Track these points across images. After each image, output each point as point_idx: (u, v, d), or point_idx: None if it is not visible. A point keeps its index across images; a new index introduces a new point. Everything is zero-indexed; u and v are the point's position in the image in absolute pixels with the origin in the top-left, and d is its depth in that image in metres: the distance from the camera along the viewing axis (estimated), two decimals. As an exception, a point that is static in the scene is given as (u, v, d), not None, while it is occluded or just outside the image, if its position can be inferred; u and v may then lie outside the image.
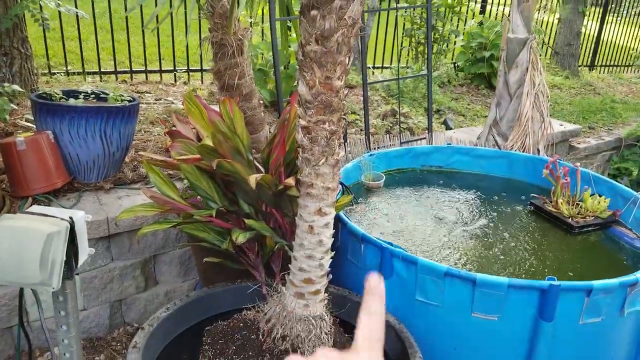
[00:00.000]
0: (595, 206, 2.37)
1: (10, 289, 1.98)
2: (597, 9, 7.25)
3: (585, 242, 2.26)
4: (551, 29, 6.90)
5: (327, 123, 1.33)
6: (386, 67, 5.42)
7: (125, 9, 4.30)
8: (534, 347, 1.66)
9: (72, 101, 2.35)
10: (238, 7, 1.93)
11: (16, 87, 2.80)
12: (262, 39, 4.33)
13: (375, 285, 0.48)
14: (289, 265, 1.49)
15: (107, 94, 2.48)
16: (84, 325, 2.25)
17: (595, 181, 2.53)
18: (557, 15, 6.80)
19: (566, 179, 2.43)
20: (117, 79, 4.12)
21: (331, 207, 1.43)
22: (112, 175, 2.44)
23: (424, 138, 3.25)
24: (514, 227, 2.31)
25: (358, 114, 3.85)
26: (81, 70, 4.00)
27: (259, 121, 2.16)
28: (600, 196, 2.45)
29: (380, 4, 5.47)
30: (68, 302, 1.24)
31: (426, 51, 3.41)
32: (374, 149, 2.99)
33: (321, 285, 1.48)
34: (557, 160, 2.50)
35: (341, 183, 2.35)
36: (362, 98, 3.09)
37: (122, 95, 2.47)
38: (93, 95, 2.49)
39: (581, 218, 2.35)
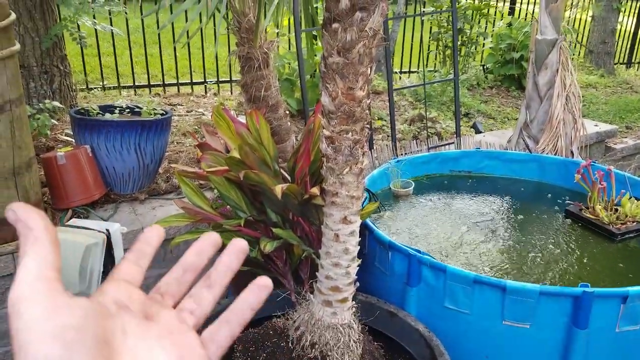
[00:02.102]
0: (634, 210, 2.30)
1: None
2: (635, 4, 7.02)
3: (626, 248, 2.18)
4: (584, 27, 6.73)
5: (350, 133, 1.36)
6: (413, 72, 5.40)
7: (158, 25, 4.45)
8: (568, 355, 1.63)
9: (108, 116, 2.45)
10: (265, 18, 1.98)
11: (56, 103, 2.94)
12: (289, 49, 4.39)
13: (149, 236, 0.40)
14: (316, 273, 1.52)
15: (141, 108, 2.58)
16: (121, 332, 2.33)
17: (631, 184, 2.45)
18: (591, 13, 6.63)
19: (602, 184, 2.36)
20: (150, 92, 4.26)
21: (356, 215, 1.44)
22: (147, 186, 2.53)
23: (452, 143, 3.22)
24: (550, 234, 2.25)
25: (385, 120, 3.85)
26: (117, 85, 4.16)
27: (285, 131, 2.20)
28: (637, 199, 2.37)
29: (406, 8, 5.46)
30: (105, 310, 1.30)
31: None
32: (401, 154, 2.99)
33: (348, 293, 1.50)
34: (591, 164, 2.43)
35: (367, 190, 2.36)
36: (388, 104, 3.10)
37: (155, 109, 2.56)
38: (128, 110, 2.59)
39: (621, 224, 2.26)
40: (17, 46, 1.84)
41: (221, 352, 0.39)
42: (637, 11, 7.00)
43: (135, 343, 0.33)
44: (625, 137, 4.27)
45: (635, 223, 2.27)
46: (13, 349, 0.30)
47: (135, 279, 0.38)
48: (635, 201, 2.33)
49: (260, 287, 0.41)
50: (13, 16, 1.82)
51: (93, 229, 1.18)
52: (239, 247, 0.41)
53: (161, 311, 0.37)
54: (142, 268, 0.39)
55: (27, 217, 0.33)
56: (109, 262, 1.21)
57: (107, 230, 1.20)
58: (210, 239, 0.41)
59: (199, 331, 0.39)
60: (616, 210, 2.33)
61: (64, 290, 0.32)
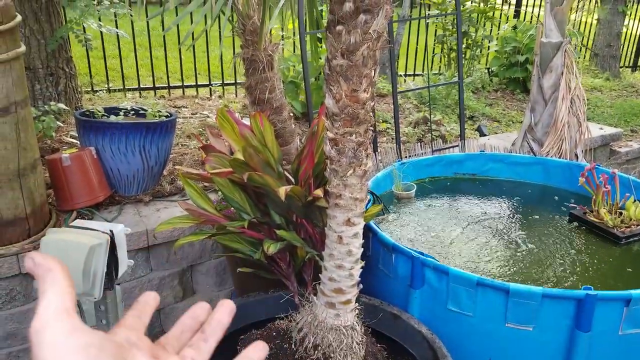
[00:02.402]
0: (639, 214, 2.28)
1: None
2: (640, 7, 7.01)
3: (630, 252, 2.17)
4: (590, 30, 6.72)
5: (354, 135, 1.36)
6: (418, 75, 5.40)
7: (163, 27, 4.47)
8: (571, 358, 1.62)
9: (113, 118, 2.46)
10: (269, 20, 1.99)
11: (61, 105, 2.95)
12: (293, 52, 4.41)
13: (147, 299, 0.47)
14: (320, 275, 1.52)
15: (146, 110, 2.59)
16: (125, 333, 2.33)
17: (636, 187, 2.44)
18: (596, 16, 6.61)
19: (606, 187, 2.35)
20: (155, 94, 4.28)
21: (360, 218, 1.45)
22: (151, 188, 2.54)
23: (457, 146, 3.22)
24: (554, 237, 2.24)
25: (389, 123, 3.85)
26: (122, 87, 4.18)
27: (289, 133, 2.20)
28: (641, 202, 2.37)
29: (411, 11, 5.47)
30: (109, 311, 1.30)
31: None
32: (406, 157, 2.99)
33: (352, 295, 1.50)
34: (595, 167, 2.42)
35: (371, 192, 2.36)
36: (393, 106, 3.10)
37: (160, 111, 2.57)
38: (132, 112, 2.60)
39: (626, 227, 2.25)
40: (23, 48, 1.86)
41: None
42: (642, 14, 6.98)
43: None
44: (630, 141, 4.26)
45: (639, 227, 2.26)
46: None
47: (140, 329, 0.43)
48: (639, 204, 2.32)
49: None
50: (19, 18, 1.84)
51: (97, 230, 1.18)
52: (229, 307, 0.48)
53: (167, 355, 0.43)
54: (144, 323, 0.44)
55: (46, 261, 0.38)
56: (113, 263, 1.22)
57: (111, 231, 1.21)
58: (202, 307, 0.48)
59: None
60: (620, 213, 2.32)
61: (81, 321, 0.36)
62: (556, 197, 2.66)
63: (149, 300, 0.47)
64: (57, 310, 0.35)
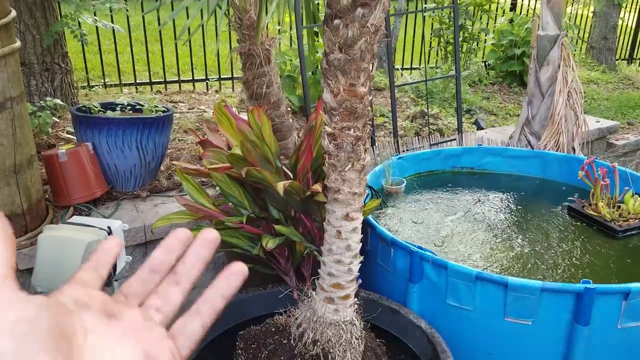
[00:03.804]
0: (637, 207, 2.29)
1: (54, 294, 2.07)
2: (636, 0, 7.00)
3: (627, 245, 2.17)
4: (586, 23, 6.71)
5: (352, 129, 1.35)
6: (415, 68, 5.39)
7: (159, 22, 4.44)
8: (571, 351, 1.63)
9: (109, 113, 2.45)
10: (266, 14, 1.97)
11: (57, 101, 2.94)
12: (290, 46, 4.38)
13: (109, 245, 0.39)
14: (319, 270, 1.52)
15: (142, 105, 2.57)
16: (123, 329, 2.33)
17: (633, 180, 2.45)
18: (592, 9, 6.60)
19: (605, 181, 2.35)
20: (152, 89, 4.25)
21: (358, 212, 1.44)
22: (149, 184, 2.53)
23: (454, 139, 3.22)
24: (553, 231, 2.25)
25: (387, 117, 3.85)
26: (118, 82, 4.15)
27: (287, 128, 2.19)
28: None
29: (407, 5, 5.45)
30: (107, 307, 1.30)
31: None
32: (403, 151, 2.98)
33: (350, 290, 1.50)
34: (594, 161, 2.42)
35: (370, 187, 2.36)
36: (390, 100, 3.09)
37: (157, 106, 2.56)
38: (129, 107, 2.58)
39: (624, 221, 2.26)
40: (18, 43, 1.84)
41: (192, 343, 0.38)
42: (638, 7, 6.98)
43: (98, 340, 0.32)
44: (627, 133, 4.26)
45: (637, 220, 2.26)
46: None
47: (95, 284, 0.37)
48: (639, 198, 2.32)
49: (234, 274, 0.39)
50: (13, 13, 1.82)
51: (94, 226, 1.18)
52: (209, 238, 0.39)
53: (125, 310, 0.36)
54: (101, 275, 0.38)
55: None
56: (111, 260, 1.22)
57: (109, 227, 1.20)
58: (178, 234, 0.40)
59: (170, 326, 0.38)
60: (619, 207, 2.32)
61: (17, 288, 0.30)
62: (553, 191, 2.67)
63: (110, 248, 0.39)
64: None
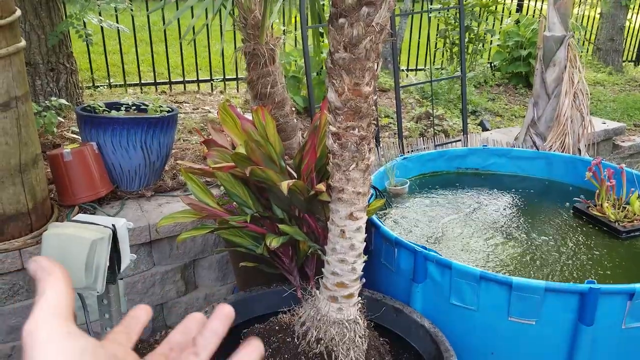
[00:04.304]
0: (644, 209, 2.28)
1: (59, 293, 2.08)
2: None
3: (631, 247, 2.16)
4: (593, 24, 6.68)
5: (356, 129, 1.35)
6: (420, 69, 5.38)
7: (164, 22, 4.46)
8: (574, 351, 1.62)
9: (114, 113, 2.46)
10: (270, 16, 1.98)
11: (63, 101, 2.95)
12: (295, 47, 4.39)
13: (138, 313, 0.45)
14: (322, 269, 1.52)
15: (147, 105, 2.58)
16: (128, 328, 2.34)
17: (639, 181, 2.43)
18: (599, 10, 6.57)
19: (611, 182, 2.34)
20: (156, 90, 4.27)
21: (362, 212, 1.44)
22: (153, 183, 2.53)
23: (459, 140, 3.21)
24: (557, 232, 2.24)
25: (392, 117, 3.84)
26: (123, 83, 4.17)
27: (291, 128, 2.20)
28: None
29: (413, 6, 5.44)
30: (112, 305, 1.30)
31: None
32: (408, 152, 2.98)
33: (354, 289, 1.50)
34: (601, 162, 2.41)
35: (374, 187, 2.35)
36: (395, 101, 3.09)
37: (161, 106, 2.57)
38: (134, 107, 2.59)
39: (628, 222, 2.25)
40: (23, 43, 1.85)
41: None
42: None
43: None
44: (633, 135, 4.24)
45: (644, 222, 2.25)
46: None
47: (127, 345, 0.41)
48: None
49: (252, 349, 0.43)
50: (18, 12, 1.83)
51: (99, 224, 1.18)
52: (225, 313, 0.44)
53: None
54: (131, 339, 0.43)
55: (47, 263, 0.37)
56: (115, 257, 1.22)
57: (113, 225, 1.20)
58: (195, 319, 0.45)
59: None
60: (625, 208, 2.31)
61: (76, 326, 0.35)
62: (558, 192, 2.65)
63: (140, 316, 0.45)
64: (53, 312, 0.34)
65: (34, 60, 3.07)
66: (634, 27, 6.86)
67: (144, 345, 2.38)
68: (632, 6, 6.49)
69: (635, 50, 7.07)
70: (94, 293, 1.20)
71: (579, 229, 2.27)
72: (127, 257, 1.29)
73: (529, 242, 2.14)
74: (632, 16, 6.68)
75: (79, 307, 1.89)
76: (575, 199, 2.45)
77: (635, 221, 2.25)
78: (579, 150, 3.09)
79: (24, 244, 1.96)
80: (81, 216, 1.24)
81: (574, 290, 1.58)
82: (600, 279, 1.87)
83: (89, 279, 1.14)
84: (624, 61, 6.68)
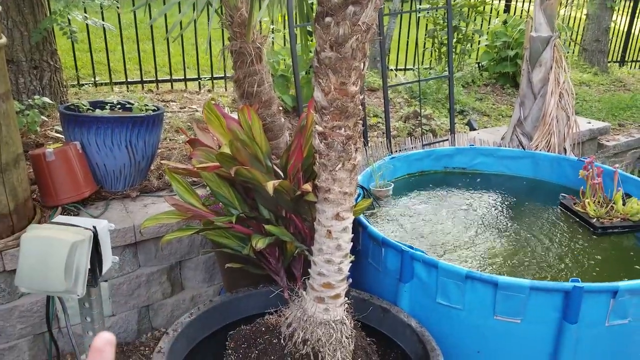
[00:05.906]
0: (628, 209, 2.32)
1: (42, 296, 2.05)
2: (628, 3, 7.05)
3: (614, 244, 2.19)
4: (579, 25, 6.75)
5: (343, 128, 1.34)
6: (409, 69, 5.39)
7: (150, 19, 4.40)
8: (559, 349, 1.63)
9: (98, 112, 2.42)
10: (258, 11, 1.96)
11: (46, 99, 2.90)
12: (284, 45, 4.37)
13: (101, 345, 0.46)
14: (309, 270, 1.51)
15: (132, 104, 2.55)
16: (112, 331, 2.31)
17: (623, 180, 2.46)
18: (585, 12, 6.64)
19: (597, 180, 2.39)
20: (143, 88, 4.22)
21: (349, 212, 1.43)
22: (139, 184, 2.50)
23: (447, 140, 3.22)
24: (540, 228, 2.28)
25: (380, 117, 3.84)
26: (109, 81, 4.12)
27: (279, 127, 2.18)
28: (630, 196, 2.39)
29: (402, 5, 5.45)
30: (93, 308, 1.28)
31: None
32: (396, 151, 2.98)
33: (341, 289, 1.49)
34: (593, 161, 2.45)
35: (361, 187, 2.35)
36: (383, 101, 3.09)
37: (147, 105, 2.53)
38: (119, 106, 2.56)
39: (608, 219, 2.30)
40: (4, 40, 1.82)
41: None
42: (630, 10, 7.03)
43: None
44: (618, 135, 4.29)
45: (622, 220, 2.29)
46: None
47: None
48: (636, 201, 2.35)
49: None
50: None
51: (79, 226, 1.16)
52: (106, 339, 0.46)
53: None
54: None
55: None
56: (96, 260, 1.20)
57: (94, 227, 1.18)
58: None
59: None
60: (612, 207, 2.35)
61: None
62: (545, 190, 2.69)
63: (101, 346, 0.46)
64: None
65: (17, 58, 3.02)
66: (619, 28, 6.94)
67: (129, 347, 2.35)
68: (616, 8, 6.56)
69: (620, 51, 7.16)
70: (74, 297, 1.18)
71: (562, 225, 2.32)
72: (108, 260, 1.27)
73: (515, 240, 2.15)
74: (617, 18, 6.75)
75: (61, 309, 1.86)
76: (562, 194, 2.51)
77: (615, 219, 2.30)
78: (565, 149, 3.12)
79: (5, 245, 1.92)
80: (61, 218, 1.21)
81: (559, 289, 1.59)
82: (582, 275, 1.89)
83: (68, 282, 1.11)
84: (609, 62, 6.75)
